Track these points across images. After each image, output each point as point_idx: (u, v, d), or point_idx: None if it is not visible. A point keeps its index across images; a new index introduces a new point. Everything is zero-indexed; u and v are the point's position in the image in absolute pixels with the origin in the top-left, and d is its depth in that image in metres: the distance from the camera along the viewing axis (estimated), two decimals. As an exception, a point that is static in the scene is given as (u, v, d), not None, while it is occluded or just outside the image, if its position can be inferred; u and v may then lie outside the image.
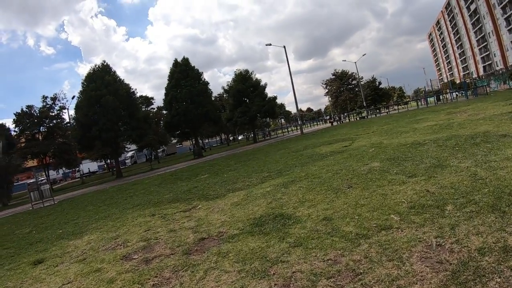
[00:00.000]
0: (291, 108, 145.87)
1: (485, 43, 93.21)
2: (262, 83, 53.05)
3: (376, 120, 35.95)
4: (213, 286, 3.96)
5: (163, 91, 44.79)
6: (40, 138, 39.70)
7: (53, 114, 40.36)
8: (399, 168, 7.87)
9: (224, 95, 62.47)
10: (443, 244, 3.76)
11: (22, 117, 38.64)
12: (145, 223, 7.98)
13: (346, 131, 25.46)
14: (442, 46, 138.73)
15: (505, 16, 77.08)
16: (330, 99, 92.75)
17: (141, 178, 26.10)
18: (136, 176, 30.53)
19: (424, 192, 5.60)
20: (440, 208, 4.77)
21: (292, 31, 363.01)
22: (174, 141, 75.57)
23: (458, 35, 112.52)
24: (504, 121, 11.57)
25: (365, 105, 65.92)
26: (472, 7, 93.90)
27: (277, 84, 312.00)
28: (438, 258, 3.50)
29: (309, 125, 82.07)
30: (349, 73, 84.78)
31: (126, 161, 77.81)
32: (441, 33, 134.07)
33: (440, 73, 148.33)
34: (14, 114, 39.01)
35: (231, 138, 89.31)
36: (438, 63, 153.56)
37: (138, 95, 45.72)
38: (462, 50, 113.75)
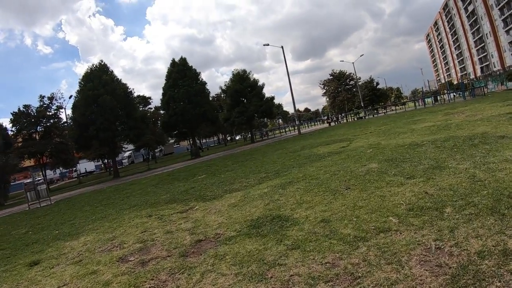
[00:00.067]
0: (288, 108, 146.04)
1: (483, 44, 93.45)
2: (260, 83, 53.00)
3: (373, 120, 35.93)
4: (209, 290, 3.92)
5: (161, 91, 44.90)
6: (37, 137, 39.55)
7: (50, 113, 40.17)
8: (397, 169, 7.83)
9: (222, 95, 62.32)
10: (442, 247, 3.72)
11: (19, 117, 38.48)
12: (141, 224, 7.93)
13: (344, 132, 25.43)
14: (440, 47, 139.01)
15: (503, 17, 77.27)
16: (327, 99, 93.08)
17: (138, 178, 26.03)
18: (133, 176, 30.46)
19: (423, 194, 5.57)
20: (439, 210, 4.73)
21: (290, 32, 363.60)
22: (172, 141, 75.41)
23: (456, 36, 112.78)
24: (502, 122, 11.55)
25: (362, 105, 66.04)
26: (470, 8, 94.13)
27: (274, 84, 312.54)
28: (437, 261, 3.47)
29: (306, 125, 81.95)
30: (347, 73, 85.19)
31: (124, 161, 77.56)
32: (439, 33, 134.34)
33: (438, 74, 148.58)
34: (11, 113, 38.88)
35: (228, 138, 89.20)
36: (436, 64, 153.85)
37: (135, 94, 45.41)
38: (459, 51, 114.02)
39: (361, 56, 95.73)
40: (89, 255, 6.26)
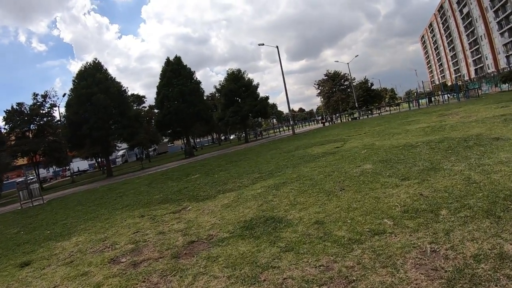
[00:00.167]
0: (283, 108, 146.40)
1: (477, 46, 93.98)
2: (254, 83, 52.95)
3: (368, 121, 36.01)
4: (201, 292, 3.86)
5: (155, 90, 44.64)
6: (30, 136, 39.22)
7: (43, 111, 39.80)
8: (391, 170, 7.81)
9: (216, 95, 62.20)
10: (437, 250, 3.68)
11: (12, 115, 38.09)
12: (134, 225, 7.84)
13: (338, 132, 25.45)
14: (435, 49, 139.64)
15: (498, 19, 77.74)
16: (322, 99, 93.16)
17: (131, 177, 25.87)
18: (127, 175, 30.29)
19: (418, 195, 5.54)
20: (434, 212, 4.70)
21: (285, 32, 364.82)
22: (166, 140, 75.16)
23: (451, 37, 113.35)
24: (497, 124, 11.57)
25: (357, 106, 66.11)
26: (465, 10, 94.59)
27: (269, 84, 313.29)
28: (433, 265, 3.43)
29: (301, 125, 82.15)
30: (341, 74, 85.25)
31: (117, 160, 77.29)
32: (434, 35, 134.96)
33: (432, 75, 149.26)
34: (4, 111, 38.51)
35: (222, 138, 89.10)
36: (430, 65, 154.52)
37: (129, 93, 45.23)
38: (454, 52, 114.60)
39: (356, 56, 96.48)
40: (81, 256, 6.18)
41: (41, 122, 39.58)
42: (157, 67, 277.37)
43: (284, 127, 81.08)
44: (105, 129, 34.41)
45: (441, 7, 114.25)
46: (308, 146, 17.96)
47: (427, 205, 5.02)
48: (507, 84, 59.44)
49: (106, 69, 38.05)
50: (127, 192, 14.73)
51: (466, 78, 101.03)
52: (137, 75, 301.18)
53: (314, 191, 7.37)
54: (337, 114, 69.66)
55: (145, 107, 65.96)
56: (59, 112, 41.43)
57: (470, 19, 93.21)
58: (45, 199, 19.79)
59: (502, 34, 78.12)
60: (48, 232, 9.32)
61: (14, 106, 38.46)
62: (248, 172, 12.71)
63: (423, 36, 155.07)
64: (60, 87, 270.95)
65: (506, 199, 4.64)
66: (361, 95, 73.88)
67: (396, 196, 5.74)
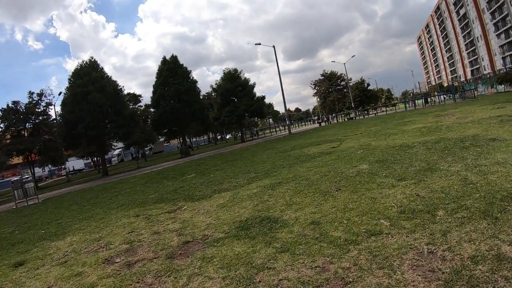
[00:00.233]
0: (279, 108, 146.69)
1: (474, 48, 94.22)
2: (251, 82, 53.14)
3: (364, 121, 36.05)
4: (196, 294, 3.81)
5: (151, 89, 44.60)
6: (26, 134, 39.02)
7: (39, 110, 39.61)
8: (388, 171, 7.78)
9: (212, 94, 62.20)
10: (435, 251, 3.65)
11: (7, 113, 37.85)
12: (129, 224, 7.78)
13: (334, 132, 25.46)
14: (431, 50, 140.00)
15: (494, 21, 77.92)
16: (318, 99, 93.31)
17: (127, 176, 25.81)
18: (122, 175, 30.22)
19: (414, 196, 5.51)
20: (431, 213, 4.67)
21: (282, 32, 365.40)
22: (162, 139, 75.09)
23: (447, 39, 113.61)
24: (493, 125, 11.58)
25: (353, 106, 66.22)
26: (462, 11, 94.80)
27: (265, 84, 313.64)
28: (430, 266, 3.39)
29: (297, 125, 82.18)
30: (338, 74, 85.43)
31: (113, 159, 77.10)
32: (430, 36, 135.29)
33: (428, 76, 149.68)
34: (-1, 110, 38.36)
35: (218, 137, 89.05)
36: (427, 66, 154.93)
37: (125, 92, 45.15)
38: (450, 53, 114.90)
39: (352, 57, 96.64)
40: (75, 256, 6.11)
41: (37, 121, 39.35)
42: (154, 66, 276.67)
43: (280, 127, 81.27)
44: (100, 128, 34.32)
45: (438, 8, 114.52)
46: (304, 146, 17.95)
47: (424, 205, 4.99)
48: (503, 86, 59.62)
49: (102, 68, 38.01)
50: (122, 192, 14.66)
51: (462, 79, 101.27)
52: (134, 74, 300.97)
53: (310, 191, 7.34)
54: (333, 114, 69.70)
55: (141, 106, 65.77)
56: (54, 111, 41.33)
57: (466, 20, 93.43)
58: (40, 198, 19.69)
59: (498, 36, 78.31)
60: (43, 231, 9.24)
61: (10, 105, 38.24)
62: (244, 171, 12.68)
63: (419, 37, 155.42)
64: (56, 86, 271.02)
65: (503, 200, 4.62)
66: (358, 95, 74.10)
67: (393, 197, 5.72)
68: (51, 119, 41.00)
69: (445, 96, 52.12)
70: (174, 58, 44.03)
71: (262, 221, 5.83)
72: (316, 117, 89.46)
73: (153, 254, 5.32)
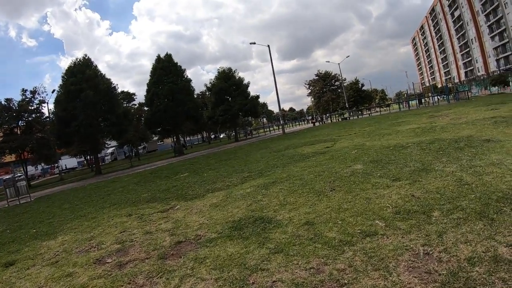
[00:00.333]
0: (273, 107, 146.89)
1: (468, 49, 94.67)
2: (245, 81, 53.12)
3: (358, 121, 36.13)
4: (188, 295, 3.74)
5: (145, 87, 44.46)
6: (19, 132, 38.73)
7: (32, 108, 39.34)
8: (382, 171, 7.75)
9: (207, 93, 62.05)
10: (431, 252, 3.61)
11: (0, 111, 37.62)
12: (121, 224, 7.69)
13: (328, 132, 25.46)
14: (425, 51, 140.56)
15: (489, 23, 78.31)
16: (312, 99, 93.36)
17: (120, 175, 25.68)
18: (115, 173, 30.09)
19: (409, 196, 5.48)
20: (427, 214, 4.63)
21: (276, 31, 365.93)
22: (155, 138, 74.83)
23: (441, 40, 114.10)
24: (487, 126, 11.60)
25: (347, 106, 66.38)
26: (456, 13, 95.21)
27: (259, 83, 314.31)
28: (426, 268, 3.35)
29: (291, 125, 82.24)
30: (332, 74, 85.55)
31: (106, 157, 76.77)
32: (425, 37, 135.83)
33: (423, 77, 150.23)
34: (-8, 107, 38.00)
35: (212, 136, 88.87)
36: (421, 67, 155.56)
37: (119, 90, 44.95)
38: (444, 55, 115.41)
39: (347, 57, 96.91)
40: (66, 256, 6.02)
41: (30, 119, 39.10)
42: (148, 64, 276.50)
43: (274, 127, 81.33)
44: (93, 127, 34.11)
45: (432, 9, 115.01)
46: (298, 146, 17.93)
47: (419, 206, 4.96)
48: (496, 87, 59.97)
49: (96, 66, 37.75)
50: (115, 191, 14.55)
51: (456, 80, 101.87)
52: (128, 72, 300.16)
53: (304, 191, 7.29)
54: (328, 114, 69.84)
55: (135, 104, 65.52)
56: (48, 109, 40.91)
57: (461, 22, 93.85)
58: (33, 197, 19.56)
59: (492, 38, 78.72)
60: (34, 230, 9.12)
61: (3, 102, 37.94)
62: (237, 171, 12.62)
63: (414, 38, 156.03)
64: (49, 83, 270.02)
65: (498, 201, 4.59)
66: (352, 95, 74.35)
67: (388, 197, 5.68)
68: (44, 117, 40.72)
69: (439, 97, 52.35)
70: (168, 57, 43.93)
71: (255, 221, 5.77)
72: (310, 117, 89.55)
73: (145, 255, 5.24)
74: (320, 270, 3.68)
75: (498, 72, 70.48)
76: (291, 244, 4.50)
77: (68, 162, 68.54)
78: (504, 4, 70.40)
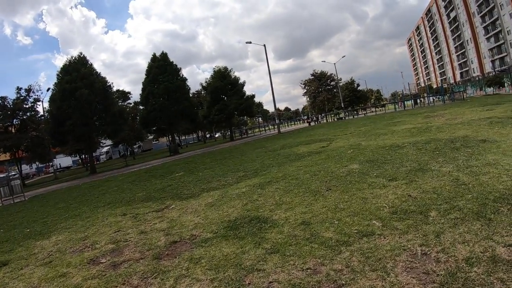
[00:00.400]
0: (269, 107, 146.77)
1: (463, 50, 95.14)
2: (241, 81, 53.18)
3: (353, 121, 36.18)
4: (183, 296, 3.70)
5: (141, 86, 44.36)
6: (13, 131, 38.47)
7: (27, 106, 39.05)
8: (379, 171, 7.73)
9: (202, 92, 61.96)
10: (428, 253, 3.58)
11: (-6, 109, 37.39)
12: (115, 223, 7.63)
13: (324, 132, 25.46)
14: (421, 51, 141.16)
15: (484, 24, 78.75)
16: (308, 99, 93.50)
17: (115, 174, 25.56)
18: (110, 172, 29.94)
19: (406, 196, 5.45)
20: (424, 214, 4.61)
21: (273, 31, 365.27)
22: (151, 137, 74.65)
23: (437, 41, 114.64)
24: (483, 127, 11.62)
25: (343, 106, 66.48)
26: (452, 14, 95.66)
27: (255, 83, 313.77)
28: (424, 268, 3.32)
29: (286, 124, 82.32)
30: (328, 74, 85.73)
31: (101, 156, 76.48)
32: (420, 38, 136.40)
33: (418, 78, 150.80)
34: (-14, 105, 37.70)
35: (208, 136, 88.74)
36: (416, 68, 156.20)
37: (115, 89, 44.77)
38: (440, 56, 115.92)
39: (343, 57, 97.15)
40: (60, 256, 5.95)
41: (24, 117, 38.82)
42: (144, 63, 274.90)
43: (270, 126, 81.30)
44: (88, 125, 33.98)
45: (428, 10, 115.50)
46: (294, 145, 17.89)
47: (416, 206, 4.93)
48: (492, 88, 60.22)
49: (91, 64, 37.64)
50: (110, 190, 14.47)
51: (452, 81, 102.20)
52: (123, 71, 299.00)
53: (300, 191, 7.25)
54: (323, 114, 69.90)
55: (130, 103, 65.32)
56: (42, 107, 40.72)
57: (457, 23, 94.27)
58: (27, 196, 19.42)
59: (488, 39, 79.16)
60: (28, 230, 9.04)
61: (-3, 100, 37.67)
62: (233, 170, 12.56)
63: (410, 39, 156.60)
64: (44, 82, 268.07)
65: (496, 201, 4.57)
66: (347, 95, 74.51)
67: (384, 197, 5.65)
68: (39, 115, 40.50)
69: (434, 97, 52.52)
70: (164, 56, 43.85)
71: (251, 221, 5.72)
72: (305, 117, 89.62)
73: (139, 255, 5.19)
74: (317, 271, 3.64)
75: (494, 73, 70.79)
76: (287, 244, 4.46)
77: (63, 161, 68.22)
78: (500, 5, 70.86)
